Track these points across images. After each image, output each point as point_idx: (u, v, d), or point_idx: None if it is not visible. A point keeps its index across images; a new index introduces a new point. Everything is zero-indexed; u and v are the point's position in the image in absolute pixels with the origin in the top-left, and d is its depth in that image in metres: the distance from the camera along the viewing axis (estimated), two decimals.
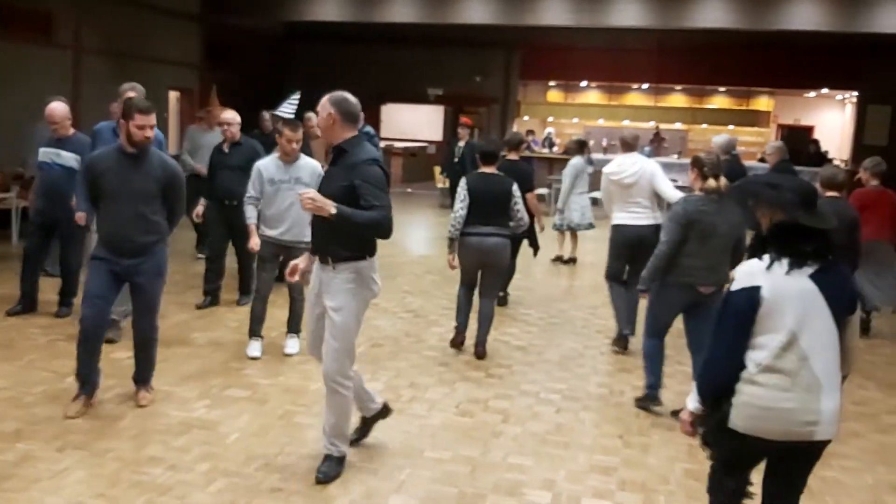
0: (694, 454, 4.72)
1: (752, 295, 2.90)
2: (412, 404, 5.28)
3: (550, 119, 20.68)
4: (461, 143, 11.82)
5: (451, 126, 20.32)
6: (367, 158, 3.99)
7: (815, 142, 17.81)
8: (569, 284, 9.67)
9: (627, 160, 6.59)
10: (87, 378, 4.84)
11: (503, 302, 7.94)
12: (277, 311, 6.68)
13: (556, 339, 7.03)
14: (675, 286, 5.11)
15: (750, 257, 3.05)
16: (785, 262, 2.92)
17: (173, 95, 15.89)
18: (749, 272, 2.96)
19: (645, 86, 20.33)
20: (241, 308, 7.26)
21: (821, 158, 17.77)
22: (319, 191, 3.99)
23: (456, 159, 11.51)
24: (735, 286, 2.98)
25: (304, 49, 19.50)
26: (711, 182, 5.02)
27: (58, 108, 6.79)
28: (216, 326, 6.85)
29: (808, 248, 2.92)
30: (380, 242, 4.12)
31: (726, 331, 2.96)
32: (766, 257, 2.96)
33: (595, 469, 4.47)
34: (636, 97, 20.74)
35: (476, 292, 6.45)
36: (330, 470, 4.17)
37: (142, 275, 4.85)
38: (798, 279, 2.90)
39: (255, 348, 6.12)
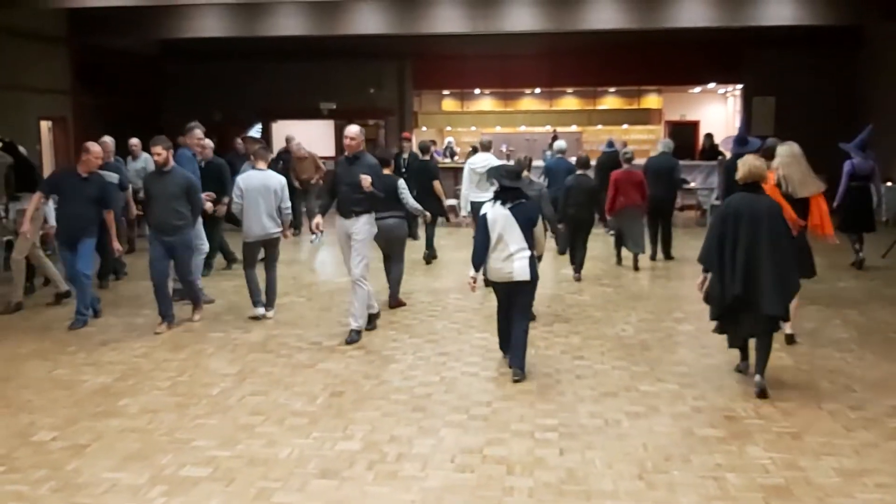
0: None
1: (485, 217, 6.12)
2: (402, 463, 4.62)
3: (448, 128, 20.28)
4: (405, 155, 12.65)
5: (341, 141, 19.49)
6: (373, 163, 7.20)
7: (710, 136, 18.07)
8: None
9: (481, 157, 10.13)
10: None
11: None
12: (212, 362, 5.83)
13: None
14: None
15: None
16: (497, 202, 6.10)
17: (45, 125, 14.51)
18: (484, 208, 6.19)
19: (538, 90, 20.20)
20: (168, 364, 6.44)
21: (714, 152, 18.09)
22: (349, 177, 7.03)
23: (403, 169, 12.03)
24: (482, 214, 6.17)
25: (182, 68, 18.31)
26: None
27: None
28: (145, 388, 5.97)
29: (506, 196, 6.07)
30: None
31: (479, 235, 6.13)
32: (492, 200, 6.16)
33: None
34: (530, 102, 20.57)
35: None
36: (356, 336, 7.04)
37: None
38: (502, 210, 6.05)
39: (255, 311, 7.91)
